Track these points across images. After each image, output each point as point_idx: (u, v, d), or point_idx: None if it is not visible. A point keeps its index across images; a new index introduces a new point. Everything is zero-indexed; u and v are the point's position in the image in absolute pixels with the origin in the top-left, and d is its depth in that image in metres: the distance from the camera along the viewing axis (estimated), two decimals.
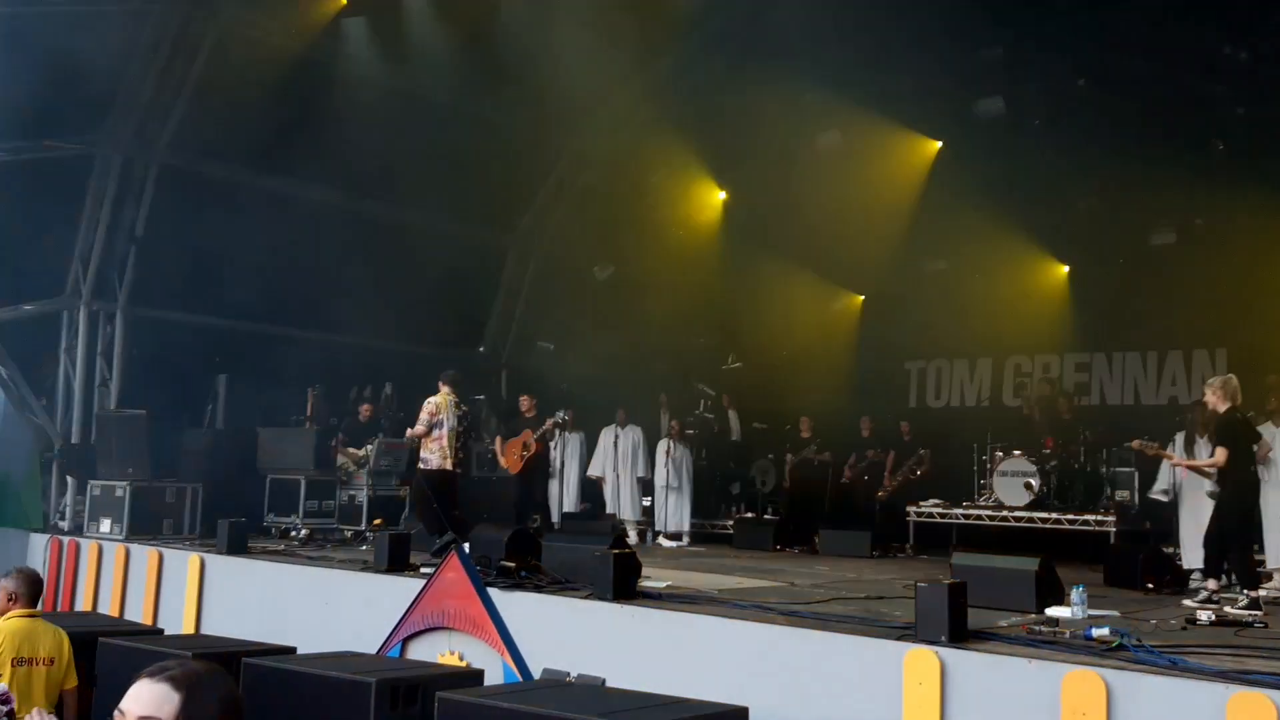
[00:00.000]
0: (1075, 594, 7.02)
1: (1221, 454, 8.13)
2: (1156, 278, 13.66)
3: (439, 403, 10.05)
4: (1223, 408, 8.20)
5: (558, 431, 13.14)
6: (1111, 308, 14.27)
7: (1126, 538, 11.51)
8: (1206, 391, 8.44)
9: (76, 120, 12.22)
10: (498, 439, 13.39)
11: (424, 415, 10.02)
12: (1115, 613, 7.15)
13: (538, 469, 12.98)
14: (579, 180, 17.28)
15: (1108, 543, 11.24)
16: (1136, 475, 12.45)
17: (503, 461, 13.04)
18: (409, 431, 10.51)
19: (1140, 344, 14.67)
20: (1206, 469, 8.67)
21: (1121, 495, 12.50)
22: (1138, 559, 9.07)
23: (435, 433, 9.95)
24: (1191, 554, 9.37)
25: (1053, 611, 6.91)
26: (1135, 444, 10.25)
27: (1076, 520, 12.11)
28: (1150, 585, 8.76)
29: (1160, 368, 14.64)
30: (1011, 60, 13.59)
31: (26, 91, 11.02)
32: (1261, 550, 9.09)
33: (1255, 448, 8.56)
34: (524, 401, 13.15)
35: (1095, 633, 5.82)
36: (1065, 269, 15.01)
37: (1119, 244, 14.26)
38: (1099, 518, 12.04)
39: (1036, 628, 6.18)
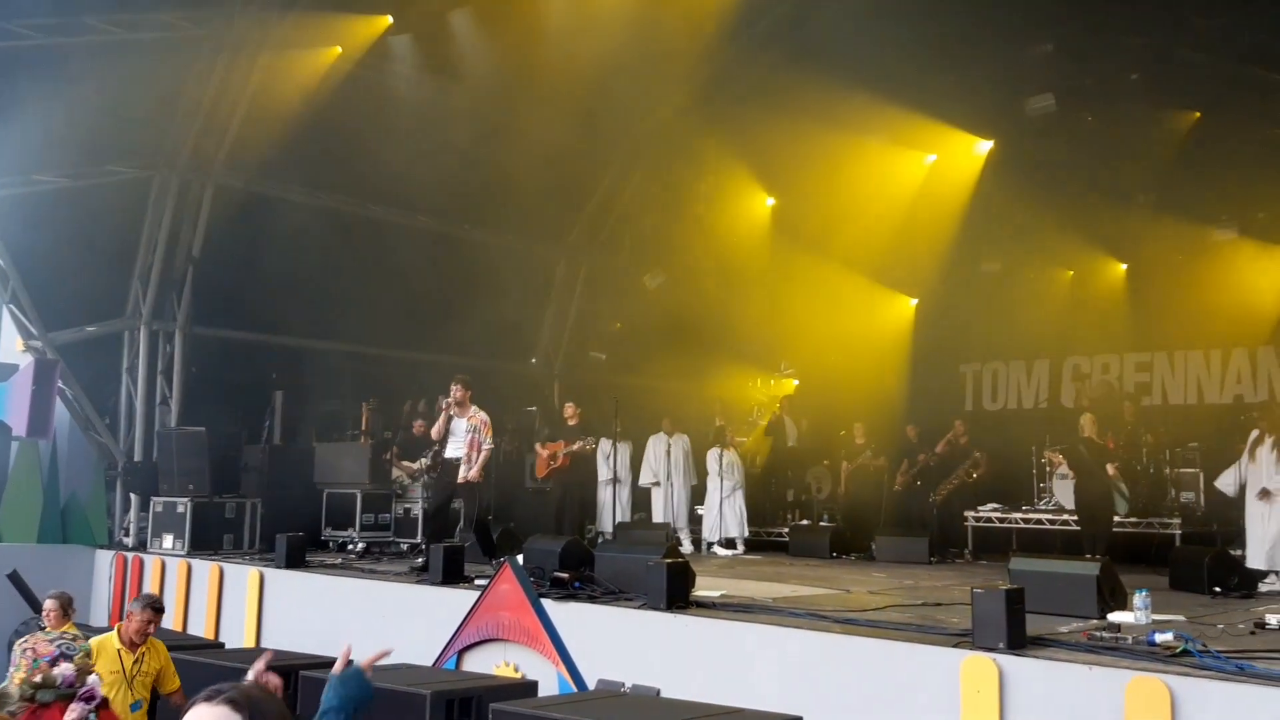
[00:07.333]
0: (1138, 598, 6.85)
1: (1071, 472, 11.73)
2: (1218, 273, 13.36)
3: None
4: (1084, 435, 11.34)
5: (595, 448, 13.10)
6: (1172, 305, 13.96)
7: (1192, 540, 11.24)
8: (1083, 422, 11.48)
9: (133, 144, 12.49)
10: (537, 445, 13.48)
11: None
12: (1180, 617, 6.97)
13: (573, 480, 12.90)
14: (627, 190, 17.31)
15: (1172, 546, 10.97)
16: (1201, 476, 12.18)
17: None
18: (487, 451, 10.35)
19: (1203, 342, 14.35)
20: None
21: (1186, 497, 12.22)
22: (1203, 562, 8.83)
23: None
24: (1256, 555, 9.19)
25: (1115, 617, 6.74)
26: (1046, 454, 12.32)
27: (1140, 523, 11.85)
28: (1216, 589, 8.52)
29: (1224, 366, 14.32)
30: (1062, 56, 13.38)
31: (85, 118, 11.28)
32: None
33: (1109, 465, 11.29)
34: (568, 409, 13.20)
35: (1159, 638, 5.68)
36: (1123, 267, 14.73)
37: (1178, 240, 13.96)
38: (1163, 520, 11.79)
39: (1098, 633, 6.04)
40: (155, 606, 6.71)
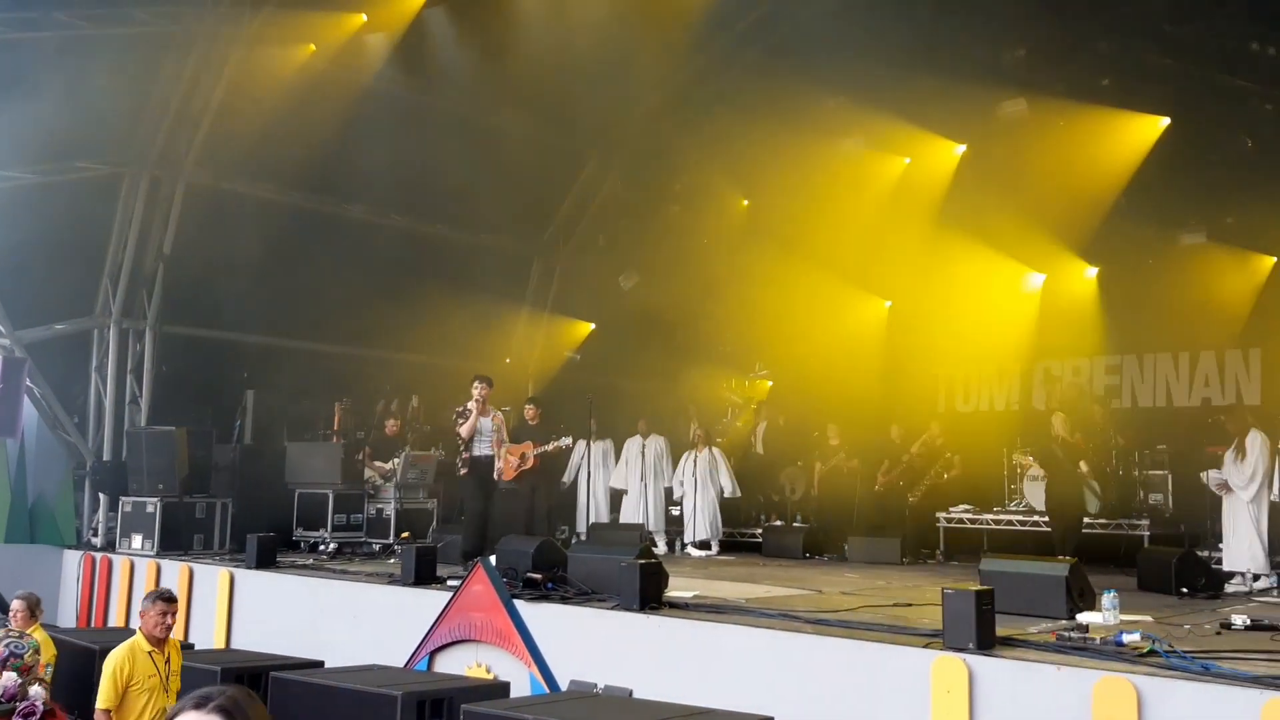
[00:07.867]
0: (1106, 599, 6.92)
1: (1041, 471, 11.91)
2: (1187, 278, 13.45)
3: None
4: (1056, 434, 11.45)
5: (571, 448, 13.08)
6: (1142, 309, 14.04)
7: (1160, 542, 11.35)
8: (1055, 422, 11.55)
9: (103, 141, 12.37)
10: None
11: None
12: (1148, 618, 7.04)
13: (541, 481, 12.81)
14: (602, 190, 17.30)
15: (1140, 547, 11.07)
16: (1170, 478, 12.29)
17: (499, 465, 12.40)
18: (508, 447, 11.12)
19: (1171, 345, 14.46)
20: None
21: (1155, 499, 12.33)
22: (1171, 564, 8.93)
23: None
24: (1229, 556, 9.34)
25: (1083, 617, 6.80)
26: (1017, 456, 12.38)
27: (1109, 524, 11.96)
28: (1184, 590, 8.62)
29: (1192, 369, 14.45)
30: (1034, 61, 13.48)
31: (53, 114, 11.16)
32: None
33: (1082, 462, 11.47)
34: (528, 410, 12.95)
35: (1126, 638, 5.73)
36: (1093, 270, 14.84)
37: (1148, 244, 14.07)
38: (1132, 522, 11.89)
39: (1066, 634, 6.09)
40: (165, 597, 6.66)
